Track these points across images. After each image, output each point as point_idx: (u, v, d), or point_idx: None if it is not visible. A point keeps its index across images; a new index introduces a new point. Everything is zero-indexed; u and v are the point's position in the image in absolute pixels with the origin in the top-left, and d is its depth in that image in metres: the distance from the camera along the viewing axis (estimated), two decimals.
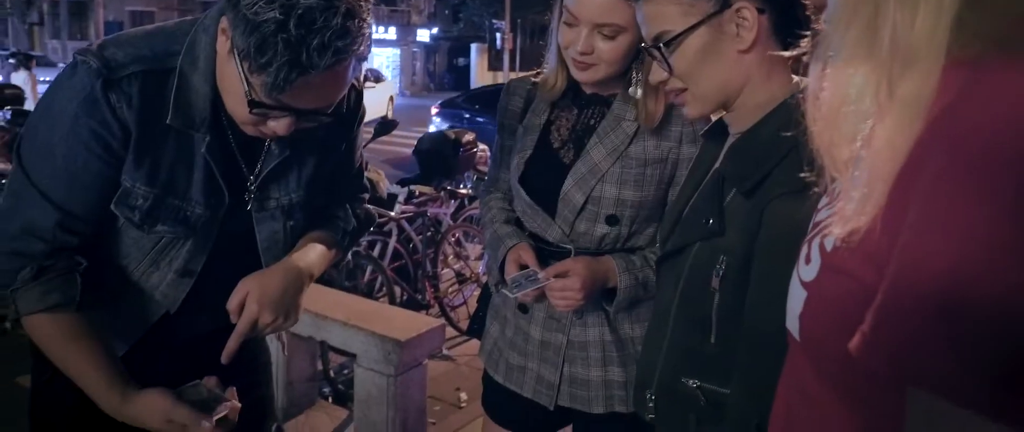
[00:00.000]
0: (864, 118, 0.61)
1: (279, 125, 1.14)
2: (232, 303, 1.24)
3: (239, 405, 1.20)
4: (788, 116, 1.08)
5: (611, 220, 1.52)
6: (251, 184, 1.31)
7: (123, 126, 1.16)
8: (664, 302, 1.26)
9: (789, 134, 1.04)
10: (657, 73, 1.19)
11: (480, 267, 4.90)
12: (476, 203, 5.28)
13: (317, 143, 1.37)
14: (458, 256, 5.14)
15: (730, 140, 1.22)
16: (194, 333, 1.39)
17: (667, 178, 1.52)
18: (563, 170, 1.54)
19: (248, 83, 1.07)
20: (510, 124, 1.67)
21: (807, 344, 0.67)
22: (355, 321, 2.85)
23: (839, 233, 0.61)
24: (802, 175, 0.94)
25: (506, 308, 1.69)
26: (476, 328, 1.88)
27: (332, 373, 3.64)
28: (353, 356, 2.96)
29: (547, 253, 1.57)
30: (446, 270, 5.11)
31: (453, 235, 5.16)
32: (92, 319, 1.22)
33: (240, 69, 1.07)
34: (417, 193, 5.24)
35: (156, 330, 1.34)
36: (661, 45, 1.15)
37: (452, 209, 5.47)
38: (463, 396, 3.68)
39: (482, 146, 6.37)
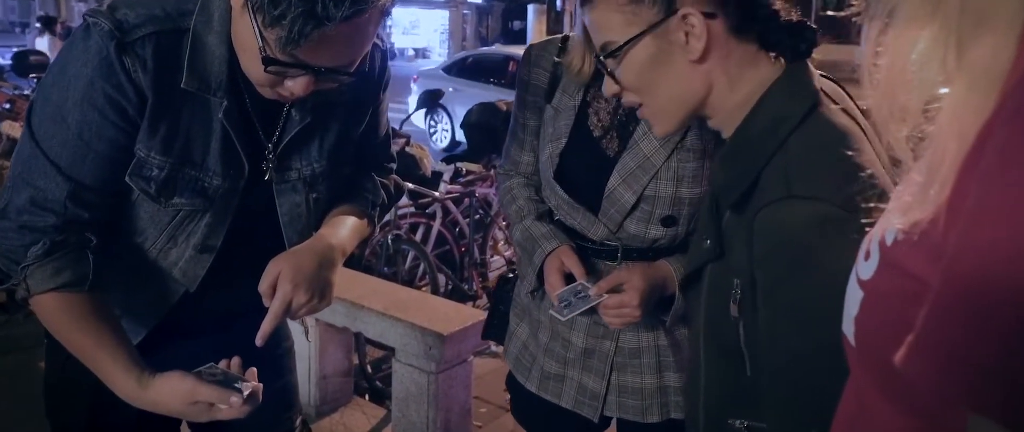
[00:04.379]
0: (928, 88, 0.57)
1: (297, 85, 1.17)
2: (264, 285, 1.28)
3: (260, 385, 1.25)
4: (779, 101, 1.08)
5: (668, 221, 1.48)
6: (270, 153, 1.35)
7: (138, 91, 1.21)
8: (694, 333, 1.27)
9: (779, 130, 1.05)
10: (610, 86, 1.20)
11: None
12: None
13: (341, 108, 1.40)
14: (509, 242, 5.18)
15: (722, 149, 1.20)
16: (215, 315, 1.45)
17: None
18: (607, 164, 1.50)
19: (262, 38, 1.10)
20: (533, 101, 1.60)
21: (863, 351, 0.65)
22: (394, 311, 2.91)
23: (900, 225, 0.58)
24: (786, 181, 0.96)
25: (540, 312, 1.67)
26: (496, 326, 1.81)
27: (369, 368, 3.72)
28: (391, 350, 3.02)
29: (590, 252, 1.56)
30: (496, 257, 5.15)
31: (504, 218, 5.19)
32: (105, 300, 1.28)
33: (254, 23, 1.10)
34: (464, 171, 5.27)
35: (176, 312, 1.40)
36: (603, 56, 1.16)
37: None
38: None
39: None
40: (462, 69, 11.92)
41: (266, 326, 1.28)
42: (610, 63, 1.17)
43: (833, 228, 0.96)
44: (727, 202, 1.11)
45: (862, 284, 0.65)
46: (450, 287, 4.80)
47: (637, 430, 1.62)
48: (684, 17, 1.09)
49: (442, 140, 11.33)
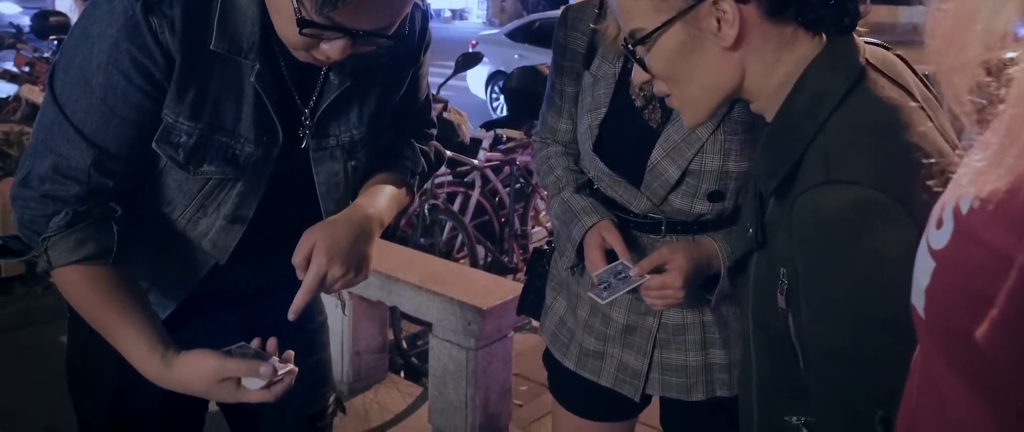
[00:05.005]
0: (999, 40, 0.55)
1: (333, 48, 1.16)
2: (298, 257, 1.28)
3: (296, 369, 1.25)
4: (819, 78, 1.07)
5: (714, 196, 1.48)
6: (306, 119, 1.35)
7: (166, 53, 1.20)
8: (744, 323, 1.27)
9: (819, 109, 1.04)
10: (639, 74, 1.20)
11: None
12: None
13: (381, 72, 1.39)
14: None
15: (764, 133, 1.19)
16: (246, 288, 1.45)
17: None
18: (649, 135, 1.49)
19: None
20: (571, 67, 1.60)
21: (933, 324, 0.64)
22: (431, 285, 2.92)
23: (975, 192, 0.57)
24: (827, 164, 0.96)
25: (579, 286, 1.67)
26: (531, 301, 1.82)
27: (404, 344, 3.74)
28: (428, 325, 3.03)
29: (632, 225, 1.55)
30: (537, 228, 5.14)
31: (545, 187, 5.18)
32: (131, 274, 1.28)
33: None
34: (504, 138, 5.26)
35: (205, 285, 1.41)
36: (632, 44, 1.15)
37: None
38: None
39: None
40: (529, 34, 11.29)
41: (299, 300, 1.28)
42: (639, 50, 1.16)
43: (873, 214, 0.95)
44: (768, 189, 1.10)
45: (934, 254, 0.63)
46: (489, 259, 4.81)
47: (680, 408, 1.63)
48: (715, 3, 1.07)
49: (504, 112, 10.94)
